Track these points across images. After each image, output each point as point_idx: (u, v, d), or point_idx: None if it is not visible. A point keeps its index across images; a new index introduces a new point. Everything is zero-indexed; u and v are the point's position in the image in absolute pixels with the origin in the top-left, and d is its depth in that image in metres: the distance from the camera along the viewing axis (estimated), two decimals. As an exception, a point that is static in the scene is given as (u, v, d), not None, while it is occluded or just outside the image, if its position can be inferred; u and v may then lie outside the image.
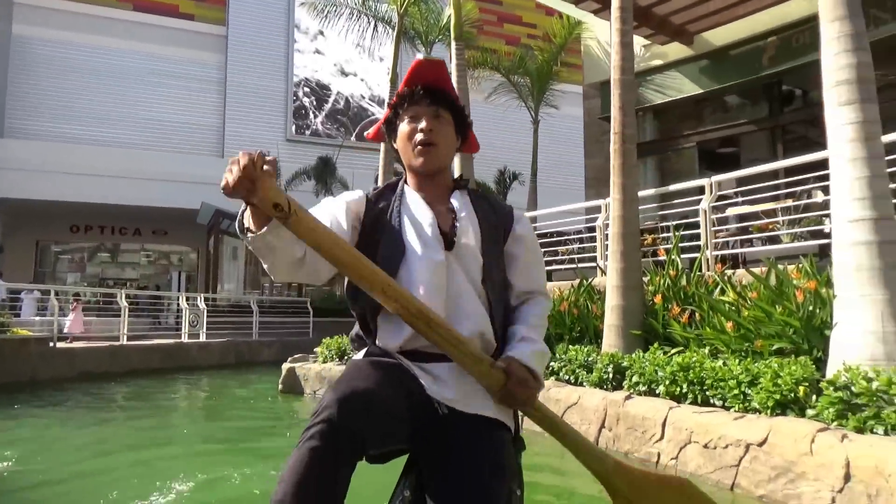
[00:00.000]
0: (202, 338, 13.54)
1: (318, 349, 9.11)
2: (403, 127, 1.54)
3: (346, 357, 8.22)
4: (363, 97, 27.08)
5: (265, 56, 25.62)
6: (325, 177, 18.81)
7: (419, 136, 1.50)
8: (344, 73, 26.78)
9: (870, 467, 2.79)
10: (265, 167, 1.16)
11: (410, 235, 1.46)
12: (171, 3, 25.00)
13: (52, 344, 10.20)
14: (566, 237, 9.61)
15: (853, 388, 3.21)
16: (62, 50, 22.73)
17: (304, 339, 14.99)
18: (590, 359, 5.16)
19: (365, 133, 1.82)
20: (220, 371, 12.08)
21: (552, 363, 5.54)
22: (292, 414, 7.37)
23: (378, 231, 1.48)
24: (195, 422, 7.21)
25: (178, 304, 14.15)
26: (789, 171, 6.69)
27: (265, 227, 1.24)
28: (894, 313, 3.52)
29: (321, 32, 23.15)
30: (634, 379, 4.59)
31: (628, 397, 4.48)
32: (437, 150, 1.51)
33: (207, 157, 23.74)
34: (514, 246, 1.56)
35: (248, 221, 1.26)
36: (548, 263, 8.70)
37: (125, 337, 11.91)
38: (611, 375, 4.83)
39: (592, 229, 8.03)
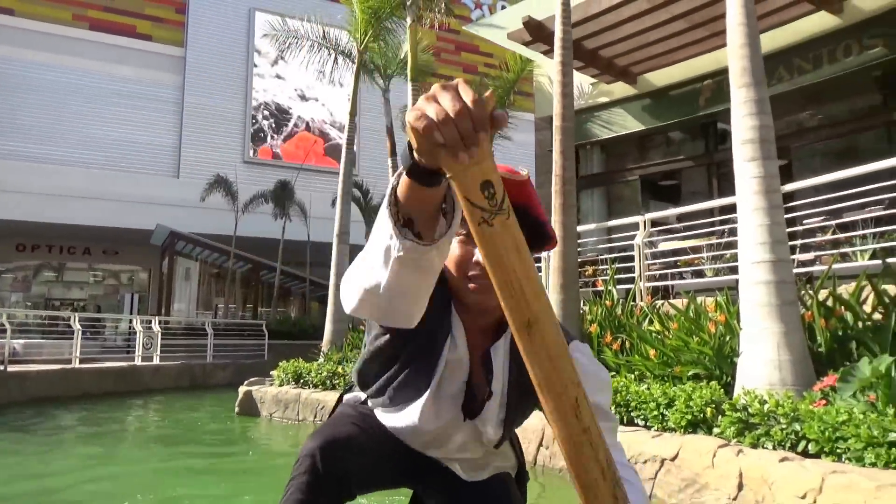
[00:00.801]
0: (156, 360, 13.53)
1: (274, 372, 9.32)
2: (455, 246, 1.22)
3: (302, 380, 8.47)
4: (325, 122, 27.39)
5: (224, 78, 25.76)
6: (283, 200, 19.00)
7: (475, 271, 1.20)
8: (304, 98, 27.08)
9: (757, 477, 3.26)
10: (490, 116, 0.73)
11: (437, 384, 1.26)
12: (128, 23, 24.98)
13: (2, 367, 10.14)
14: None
15: (749, 410, 3.70)
16: (16, 67, 22.45)
17: (259, 362, 15.08)
18: (531, 383, 5.60)
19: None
20: (174, 394, 12.11)
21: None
22: (249, 436, 7.58)
23: (417, 349, 1.26)
24: (151, 444, 7.34)
25: (131, 326, 14.11)
26: (723, 208, 7.38)
27: (444, 233, 0.89)
28: (788, 344, 4.06)
29: (282, 57, 23.46)
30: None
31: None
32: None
33: (163, 178, 23.67)
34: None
35: (407, 212, 0.88)
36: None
37: (77, 360, 11.85)
38: (549, 398, 5.26)
39: (539, 259, 8.53)
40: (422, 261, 0.88)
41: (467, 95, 0.70)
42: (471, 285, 1.21)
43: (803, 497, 3.00)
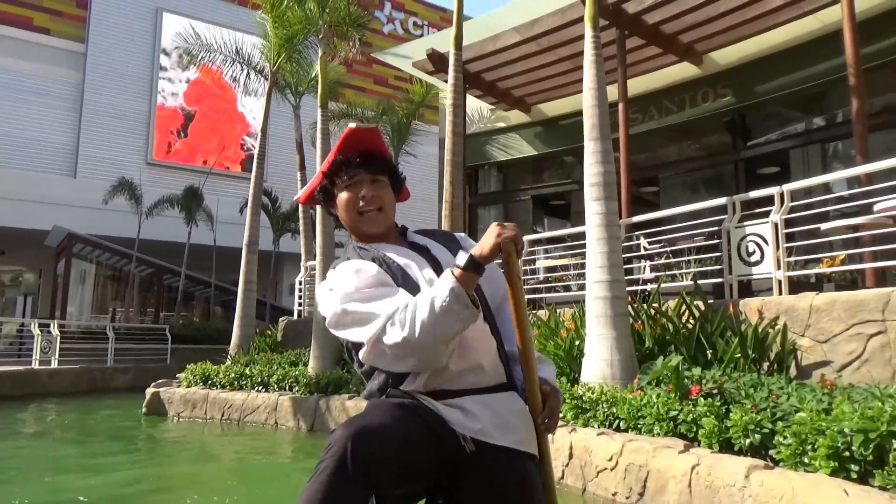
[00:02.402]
0: (54, 364, 13.40)
1: (181, 374, 9.70)
2: (343, 195, 1.57)
3: (209, 381, 8.95)
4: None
5: (127, 77, 25.12)
6: (191, 206, 19.02)
7: (362, 205, 1.55)
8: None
9: (581, 448, 4.28)
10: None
11: (417, 278, 1.49)
12: (24, 14, 23.96)
13: None
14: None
15: (583, 398, 4.73)
16: None
17: (161, 366, 15.16)
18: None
19: (295, 197, 1.57)
20: (74, 397, 12.11)
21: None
22: (159, 430, 8.02)
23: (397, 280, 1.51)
24: (61, 444, 7.62)
25: (21, 329, 13.81)
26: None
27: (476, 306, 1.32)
28: (618, 347, 5.14)
29: (188, 67, 23.32)
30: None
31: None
32: (382, 213, 1.57)
33: (58, 177, 22.86)
34: None
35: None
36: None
37: (-31, 363, 11.65)
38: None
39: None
40: (475, 316, 1.34)
41: (510, 227, 1.35)
42: (361, 217, 1.57)
43: (610, 459, 4.03)
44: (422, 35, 33.23)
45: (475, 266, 1.30)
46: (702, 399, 3.97)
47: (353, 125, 1.59)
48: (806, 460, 3.16)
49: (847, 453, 2.99)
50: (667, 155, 12.92)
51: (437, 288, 1.31)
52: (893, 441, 2.86)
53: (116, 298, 23.96)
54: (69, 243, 19.46)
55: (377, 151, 1.60)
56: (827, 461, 3.03)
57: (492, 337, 1.50)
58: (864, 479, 2.94)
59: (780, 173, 11.26)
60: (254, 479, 5.36)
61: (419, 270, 1.51)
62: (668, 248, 6.81)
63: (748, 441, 3.51)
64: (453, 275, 1.29)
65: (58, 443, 7.39)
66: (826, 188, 7.64)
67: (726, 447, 3.63)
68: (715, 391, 4.08)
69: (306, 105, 13.90)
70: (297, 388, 7.87)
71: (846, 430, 2.99)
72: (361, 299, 1.38)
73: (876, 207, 4.97)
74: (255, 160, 11.27)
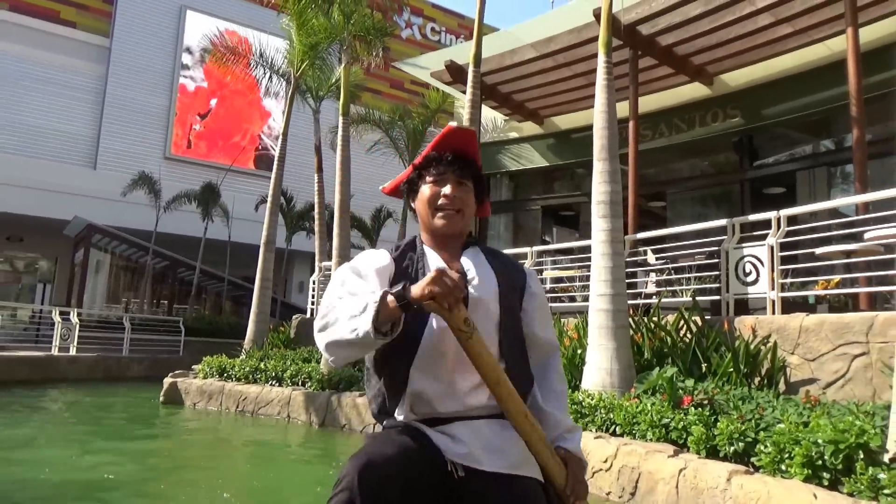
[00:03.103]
0: (72, 351, 13.81)
1: (197, 367, 10.08)
2: (426, 189, 1.58)
3: (225, 374, 9.31)
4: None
5: (149, 72, 25.67)
6: (208, 202, 19.46)
7: (443, 202, 1.56)
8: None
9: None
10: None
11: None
12: (52, 7, 24.55)
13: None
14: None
15: (583, 404, 5.05)
16: (-73, 43, 21.69)
17: (174, 357, 15.57)
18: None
19: (381, 187, 1.79)
20: (91, 384, 12.51)
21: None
22: (177, 418, 8.39)
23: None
24: (86, 426, 7.98)
25: (35, 315, 14.21)
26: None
27: (393, 331, 1.34)
28: (618, 357, 5.45)
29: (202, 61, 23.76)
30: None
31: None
32: (461, 215, 1.57)
33: (78, 168, 23.38)
34: (530, 302, 1.61)
35: (381, 325, 1.30)
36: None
37: (-9, 347, 12.08)
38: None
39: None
40: (377, 345, 1.38)
41: (455, 275, 1.30)
42: (439, 213, 1.56)
43: (605, 461, 4.35)
44: (439, 41, 33.68)
45: (403, 302, 1.30)
46: (693, 409, 4.28)
47: (453, 124, 1.60)
48: (783, 467, 3.47)
49: (820, 462, 3.29)
50: (675, 171, 13.21)
51: (360, 299, 1.35)
52: (861, 452, 3.16)
53: (130, 289, 24.42)
54: (88, 234, 19.93)
55: (469, 155, 1.61)
56: (801, 468, 3.34)
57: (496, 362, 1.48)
58: (834, 485, 3.24)
59: (786, 194, 11.53)
60: (263, 465, 5.70)
61: (420, 269, 1.54)
62: (669, 265, 7.11)
63: (732, 448, 3.82)
64: (381, 296, 1.31)
65: (83, 424, 7.76)
66: (829, 213, 7.92)
67: (712, 453, 3.94)
68: (706, 402, 4.39)
69: (324, 106, 14.28)
70: (309, 383, 8.22)
71: (820, 441, 3.30)
72: (329, 294, 1.48)
73: (867, 235, 5.27)
74: (275, 162, 11.66)
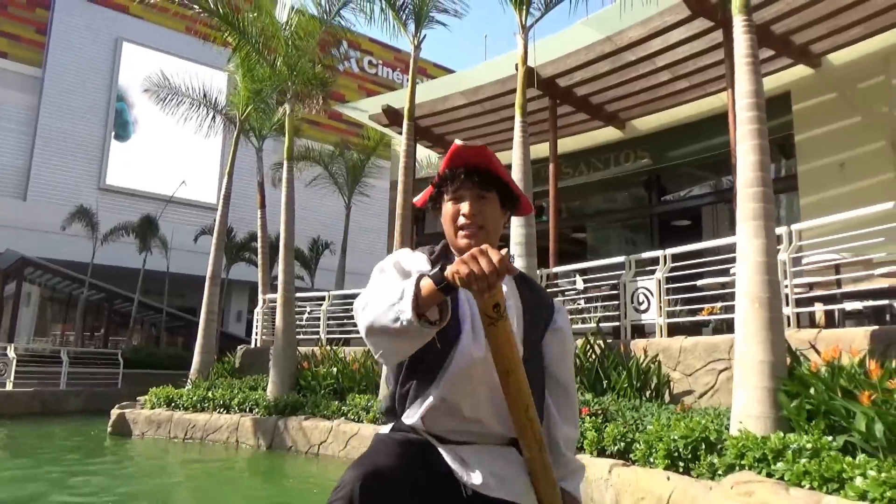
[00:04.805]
0: (8, 387, 13.77)
1: (143, 397, 10.42)
2: (447, 207, 1.52)
3: (173, 403, 9.73)
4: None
5: (83, 102, 25.51)
6: (146, 234, 19.59)
7: (463, 220, 1.48)
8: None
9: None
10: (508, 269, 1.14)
11: (463, 317, 1.44)
12: (-20, 37, 24.26)
13: None
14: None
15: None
16: None
17: (112, 390, 15.62)
18: (369, 404, 7.53)
19: (415, 199, 1.74)
20: (29, 419, 12.54)
21: (343, 407, 7.84)
22: (127, 447, 8.75)
23: None
24: (38, 462, 8.24)
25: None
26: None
27: (439, 321, 1.23)
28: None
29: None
30: (396, 417, 7.01)
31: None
32: (484, 231, 1.49)
33: (8, 200, 22.99)
34: (553, 338, 1.54)
35: (422, 310, 1.20)
36: (347, 332, 11.05)
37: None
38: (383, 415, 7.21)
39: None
40: (424, 336, 1.24)
41: (495, 257, 1.11)
42: (461, 232, 1.48)
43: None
44: (377, 73, 34.68)
45: (442, 284, 1.18)
46: (588, 417, 5.18)
47: (458, 142, 1.53)
48: (651, 459, 4.38)
49: (676, 454, 4.22)
50: (594, 205, 14.46)
51: (398, 285, 1.26)
52: (703, 444, 4.11)
53: (60, 321, 24.01)
54: (20, 267, 19.67)
55: (484, 166, 1.52)
56: (664, 459, 4.25)
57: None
58: (686, 471, 4.17)
59: (692, 226, 12.88)
60: (215, 489, 6.27)
61: (469, 309, 1.44)
62: (580, 297, 8.12)
63: (616, 447, 4.72)
64: (418, 279, 1.22)
65: (24, 457, 8.05)
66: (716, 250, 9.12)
67: (601, 453, 4.83)
68: (600, 412, 5.30)
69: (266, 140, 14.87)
70: (257, 409, 8.78)
71: (676, 437, 4.24)
72: (370, 289, 1.39)
73: (700, 282, 6.40)
74: (220, 200, 12.19)
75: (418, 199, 1.67)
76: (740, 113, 4.65)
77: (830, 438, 3.62)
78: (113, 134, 26.30)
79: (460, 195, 1.50)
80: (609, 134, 12.80)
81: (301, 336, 10.89)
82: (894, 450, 3.35)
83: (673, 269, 6.83)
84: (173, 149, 26.50)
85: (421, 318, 1.20)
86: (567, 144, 12.59)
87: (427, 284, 1.20)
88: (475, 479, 1.36)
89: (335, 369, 8.90)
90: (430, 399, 1.41)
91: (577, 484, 1.54)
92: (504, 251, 1.17)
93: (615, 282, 7.41)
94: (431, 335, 1.25)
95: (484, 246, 1.15)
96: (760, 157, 4.50)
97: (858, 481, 3.06)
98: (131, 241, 20.48)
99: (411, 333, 1.22)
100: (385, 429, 1.51)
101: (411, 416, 1.44)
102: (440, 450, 1.40)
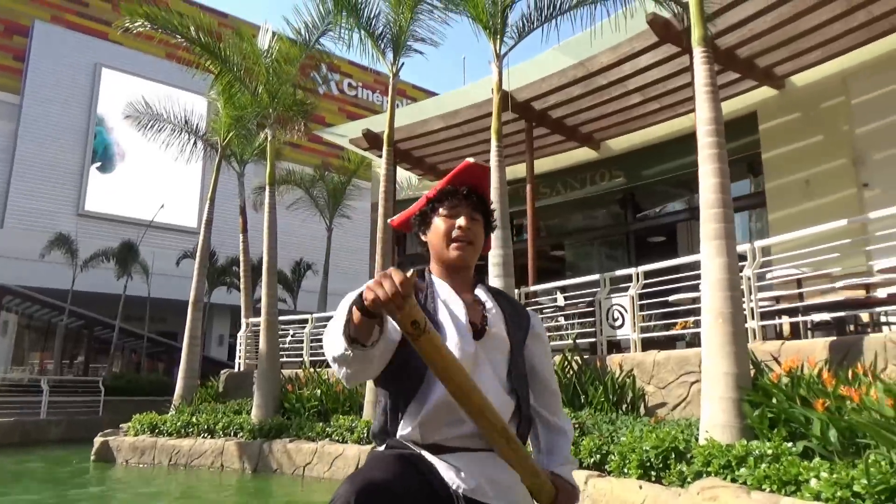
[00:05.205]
0: (-12, 417, 13.64)
1: (125, 425, 10.41)
2: (439, 222, 1.59)
3: (157, 430, 9.74)
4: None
5: (62, 129, 25.48)
6: (127, 261, 19.55)
7: (457, 233, 1.56)
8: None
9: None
10: (412, 286, 1.19)
11: (445, 322, 1.50)
12: (-46, 64, 24.20)
13: None
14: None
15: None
16: None
17: (93, 418, 15.50)
18: (353, 424, 7.65)
19: (389, 220, 1.85)
20: (9, 449, 12.41)
21: (327, 428, 7.95)
22: (111, 475, 8.75)
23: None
24: (25, 491, 8.21)
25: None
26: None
27: (375, 341, 1.27)
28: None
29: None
30: (380, 436, 7.13)
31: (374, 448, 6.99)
32: (473, 247, 1.58)
33: (-16, 226, 22.84)
34: (534, 342, 1.63)
35: (357, 334, 1.25)
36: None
37: None
38: (365, 434, 7.34)
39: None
40: (366, 357, 1.28)
41: (398, 278, 1.15)
42: (454, 244, 1.55)
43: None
44: (356, 95, 35.02)
45: (363, 309, 1.22)
46: (566, 431, 5.36)
47: (469, 160, 1.62)
48: (625, 470, 4.57)
49: (648, 463, 4.41)
50: (572, 224, 14.76)
51: (344, 306, 1.30)
52: (673, 454, 4.31)
53: (39, 350, 23.75)
54: (-1, 295, 19.52)
55: (483, 191, 1.64)
56: (637, 469, 4.45)
57: (506, 397, 1.49)
58: (658, 479, 4.36)
59: (667, 242, 13.21)
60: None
61: (453, 318, 1.50)
62: (558, 314, 8.34)
63: (592, 459, 4.91)
64: (350, 306, 1.27)
65: (20, 488, 8.03)
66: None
67: (579, 465, 5.01)
68: (576, 426, 5.48)
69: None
70: (241, 433, 8.84)
71: (647, 447, 4.43)
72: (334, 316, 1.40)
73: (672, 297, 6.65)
74: (202, 225, 12.29)
75: (396, 219, 1.73)
76: (701, 139, 4.93)
77: (790, 444, 3.84)
78: (97, 166, 26.30)
79: (457, 212, 1.58)
80: (584, 154, 13.13)
81: (284, 359, 10.98)
82: (847, 453, 3.58)
83: (646, 286, 7.08)
84: (153, 173, 26.51)
85: (354, 342, 1.26)
86: (544, 165, 12.90)
87: (355, 310, 1.25)
88: (469, 483, 1.39)
89: (319, 391, 9.00)
90: (424, 408, 1.44)
91: (570, 472, 1.59)
92: (410, 272, 1.20)
93: (591, 299, 7.64)
94: (375, 355, 1.30)
95: (389, 269, 1.20)
96: (721, 180, 4.76)
97: (813, 483, 3.28)
98: (111, 267, 20.42)
99: (354, 357, 1.28)
100: (380, 449, 1.54)
101: (406, 428, 1.47)
102: (434, 460, 1.43)
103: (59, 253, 19.38)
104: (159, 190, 26.39)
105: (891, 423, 3.25)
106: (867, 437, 3.46)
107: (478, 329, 1.51)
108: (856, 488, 3.04)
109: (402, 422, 1.48)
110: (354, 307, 1.25)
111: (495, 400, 1.39)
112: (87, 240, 21.60)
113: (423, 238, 1.65)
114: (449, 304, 1.53)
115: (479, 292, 1.61)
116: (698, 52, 5.04)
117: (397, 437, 1.49)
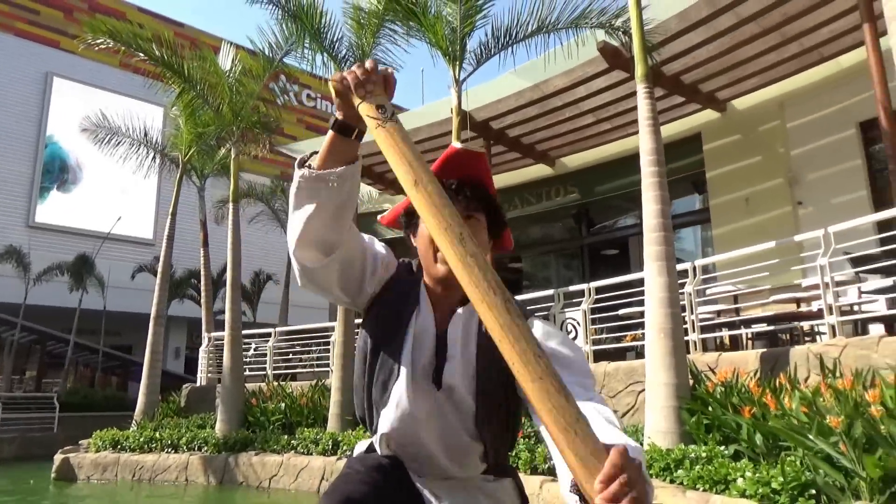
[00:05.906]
0: (-63, 436, 13.31)
1: (87, 441, 10.36)
2: (424, 228, 1.33)
3: (119, 445, 9.74)
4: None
5: (11, 139, 24.90)
6: (81, 273, 19.25)
7: None
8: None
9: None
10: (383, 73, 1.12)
11: (408, 357, 1.31)
12: None
13: None
14: (308, 347, 12.17)
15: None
16: None
17: (48, 435, 15.25)
18: (318, 437, 7.87)
19: (379, 217, 1.57)
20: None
21: (292, 441, 8.15)
22: (74, 492, 8.74)
23: (387, 328, 1.35)
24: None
25: None
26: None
27: (343, 166, 1.19)
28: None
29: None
30: (344, 448, 7.37)
31: (339, 458, 7.24)
32: None
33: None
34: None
35: (323, 163, 1.17)
36: (293, 367, 11.32)
37: None
38: (330, 446, 7.57)
39: (327, 342, 10.90)
40: (322, 180, 1.17)
41: (370, 65, 1.12)
42: (439, 255, 1.28)
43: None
44: (315, 106, 35.10)
45: (334, 124, 1.18)
46: (522, 439, 5.71)
47: (457, 145, 1.39)
48: (577, 475, 4.93)
49: (598, 468, 4.78)
50: (530, 237, 15.23)
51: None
52: (620, 458, 4.69)
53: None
54: (-56, 310, 18.97)
55: (479, 181, 1.38)
56: (587, 474, 4.81)
57: (474, 444, 1.31)
58: (607, 484, 4.73)
59: (620, 254, 13.77)
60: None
61: (417, 357, 1.31)
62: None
63: (547, 466, 5.27)
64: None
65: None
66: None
67: (534, 471, 5.37)
68: (532, 434, 5.84)
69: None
70: (206, 448, 8.94)
71: (597, 453, 4.80)
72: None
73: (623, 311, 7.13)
74: (164, 240, 12.30)
75: (386, 216, 1.52)
76: (644, 167, 5.37)
77: (723, 448, 4.27)
78: (56, 186, 25.80)
79: None
80: (540, 171, 13.62)
81: (247, 372, 11.09)
82: (771, 454, 4.01)
83: (597, 301, 7.51)
84: (107, 185, 26.13)
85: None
86: (502, 181, 13.34)
87: (326, 138, 1.20)
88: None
89: (283, 405, 9.16)
90: (387, 421, 1.32)
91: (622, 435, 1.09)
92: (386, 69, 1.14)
93: (546, 313, 8.04)
94: (334, 187, 1.21)
95: (364, 63, 1.14)
96: (661, 206, 5.20)
97: (739, 482, 3.69)
98: (65, 281, 20.06)
99: (308, 181, 1.20)
100: (362, 446, 1.43)
101: (377, 438, 1.36)
102: (416, 480, 1.33)
103: (10, 266, 18.96)
104: (113, 202, 26.02)
105: (804, 427, 3.69)
106: (787, 440, 3.90)
107: (438, 378, 1.31)
108: (773, 485, 3.46)
109: (377, 425, 1.35)
110: (328, 135, 1.21)
111: (461, 443, 1.30)
112: (40, 252, 21.20)
113: (412, 241, 1.43)
114: (423, 338, 1.33)
115: (459, 320, 1.34)
116: (641, 89, 5.49)
117: (378, 431, 1.35)
